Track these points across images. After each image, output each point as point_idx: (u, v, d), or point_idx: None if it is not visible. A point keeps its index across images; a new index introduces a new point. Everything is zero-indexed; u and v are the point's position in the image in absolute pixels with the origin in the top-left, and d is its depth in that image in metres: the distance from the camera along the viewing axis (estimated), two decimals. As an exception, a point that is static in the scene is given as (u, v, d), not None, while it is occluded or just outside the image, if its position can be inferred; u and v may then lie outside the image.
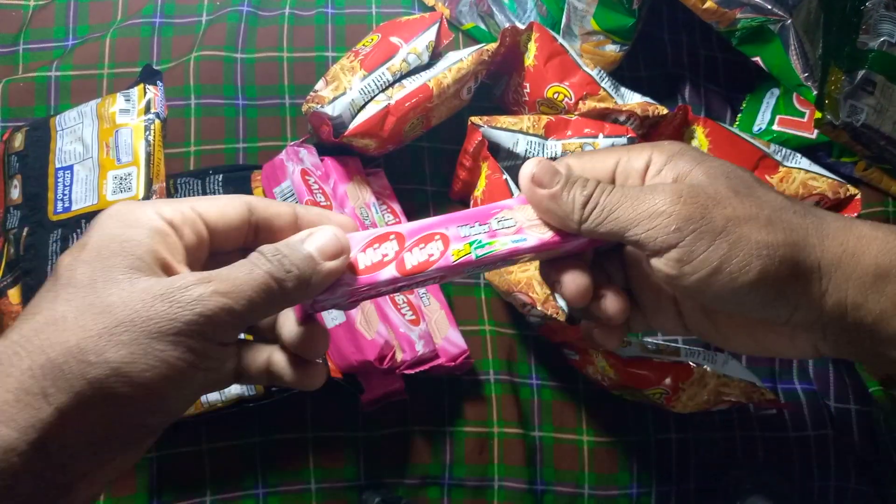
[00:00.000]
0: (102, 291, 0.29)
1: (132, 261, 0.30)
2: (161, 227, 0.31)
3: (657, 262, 0.34)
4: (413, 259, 0.33)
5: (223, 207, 0.33)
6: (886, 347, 0.35)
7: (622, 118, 0.56)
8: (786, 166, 0.57)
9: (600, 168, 0.38)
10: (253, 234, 0.35)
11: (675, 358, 0.50)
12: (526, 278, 0.50)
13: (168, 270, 0.30)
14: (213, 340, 0.30)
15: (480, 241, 0.34)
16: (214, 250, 0.34)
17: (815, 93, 0.59)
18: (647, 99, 0.58)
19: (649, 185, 0.36)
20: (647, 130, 0.58)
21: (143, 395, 0.29)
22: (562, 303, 0.50)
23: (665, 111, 0.57)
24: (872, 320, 0.35)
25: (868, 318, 0.35)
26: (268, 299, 0.30)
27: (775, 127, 0.63)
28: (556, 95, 0.56)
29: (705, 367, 0.51)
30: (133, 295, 0.29)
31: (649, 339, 0.51)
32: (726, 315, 0.38)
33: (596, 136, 0.55)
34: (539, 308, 0.50)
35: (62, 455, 0.28)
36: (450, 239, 0.33)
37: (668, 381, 0.51)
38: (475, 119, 0.54)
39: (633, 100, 0.57)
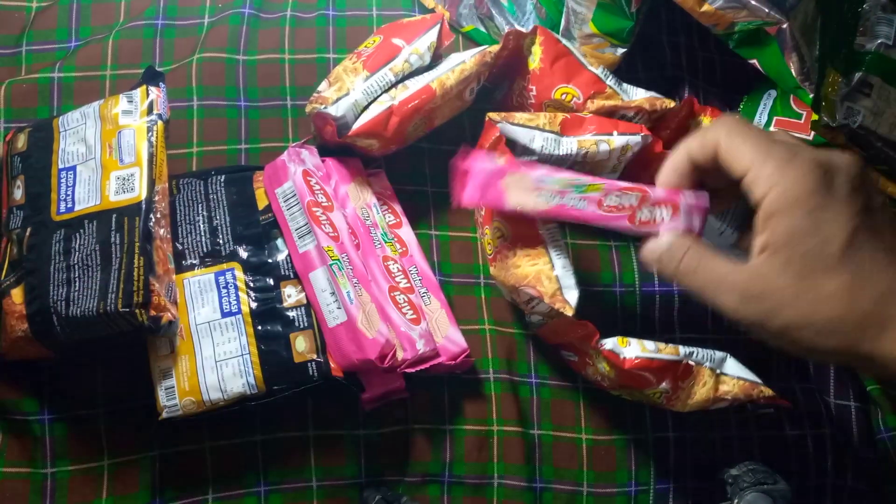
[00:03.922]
0: None
1: None
2: None
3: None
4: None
5: None
6: None
7: (630, 114, 0.57)
8: None
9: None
10: None
11: (674, 357, 0.51)
12: (534, 272, 0.51)
13: None
14: None
15: None
16: None
17: (811, 95, 0.59)
18: (653, 94, 0.58)
19: (727, 279, 0.40)
20: (653, 124, 0.58)
21: None
22: (569, 297, 0.50)
23: (672, 104, 0.57)
24: None
25: None
26: None
27: (772, 128, 0.64)
28: (563, 96, 0.57)
29: (705, 365, 0.51)
30: None
31: (648, 340, 0.52)
32: None
33: (610, 134, 0.55)
34: (546, 301, 0.50)
35: None
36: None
37: (667, 380, 0.51)
38: (493, 115, 0.55)
39: (636, 96, 0.58)
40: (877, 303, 0.37)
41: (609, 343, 0.51)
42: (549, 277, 0.50)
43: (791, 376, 0.61)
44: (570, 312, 0.50)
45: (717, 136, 0.41)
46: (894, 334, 0.37)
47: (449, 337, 0.53)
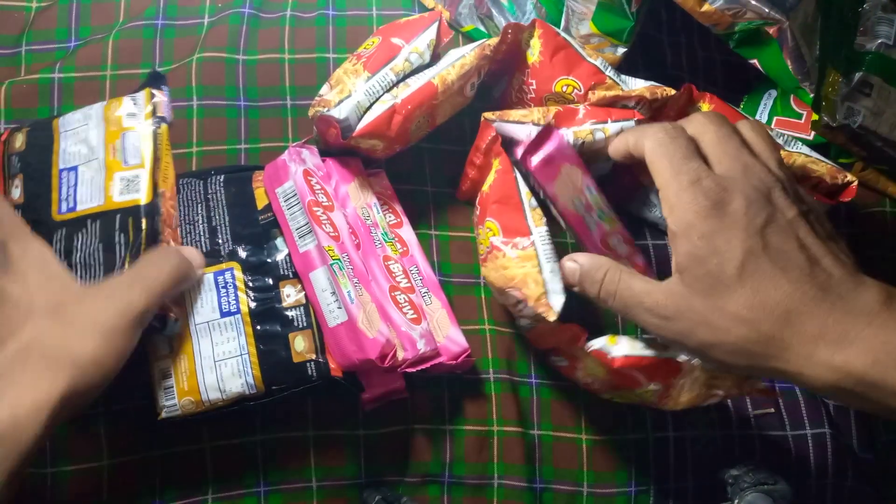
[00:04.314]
0: None
1: None
2: None
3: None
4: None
5: None
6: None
7: (631, 104, 0.57)
8: (787, 150, 0.57)
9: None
10: None
11: (663, 354, 0.50)
12: (522, 274, 0.50)
13: None
14: None
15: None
16: None
17: (811, 95, 0.59)
18: (653, 83, 0.58)
19: (646, 300, 0.44)
20: (653, 113, 0.58)
21: None
22: (555, 302, 0.50)
23: (672, 92, 0.57)
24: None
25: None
26: None
27: (773, 128, 0.64)
28: (564, 89, 0.57)
29: (694, 362, 0.51)
30: None
31: (637, 337, 0.51)
32: None
33: (605, 122, 0.55)
34: (531, 305, 0.50)
35: None
36: None
37: (658, 378, 0.51)
38: (488, 115, 0.55)
39: (636, 86, 0.58)
40: (778, 324, 0.39)
41: (597, 343, 0.50)
42: (536, 281, 0.50)
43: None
44: (552, 318, 0.49)
45: (643, 146, 0.45)
46: (796, 353, 0.39)
47: (450, 337, 0.53)
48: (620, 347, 0.50)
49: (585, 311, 0.59)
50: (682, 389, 0.51)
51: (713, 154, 0.44)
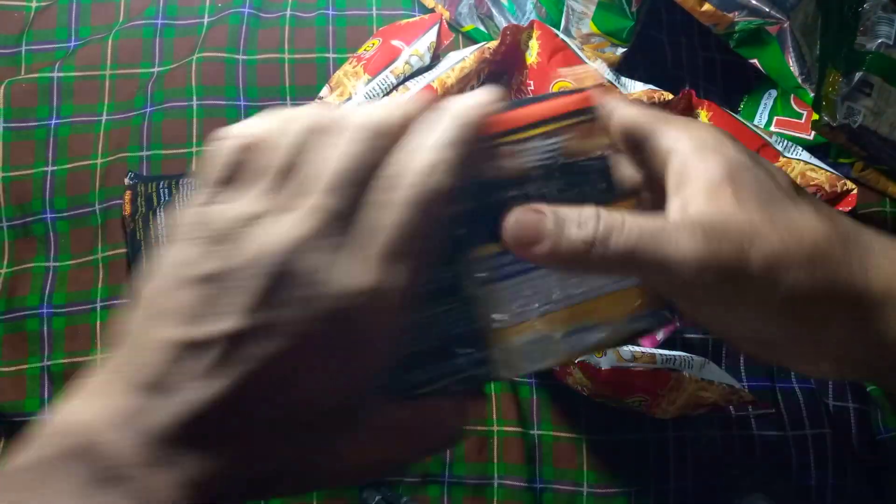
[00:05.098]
0: None
1: None
2: None
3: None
4: None
5: None
6: None
7: None
8: (786, 157, 0.57)
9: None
10: None
11: (651, 365, 0.50)
12: None
13: None
14: None
15: None
16: None
17: (812, 95, 0.59)
18: (651, 86, 0.58)
19: (670, 222, 0.29)
20: None
21: None
22: None
23: (671, 96, 0.57)
24: None
25: None
26: None
27: (773, 128, 0.64)
28: (561, 90, 0.57)
29: (683, 372, 0.50)
30: None
31: (625, 349, 0.51)
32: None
33: None
34: None
35: None
36: None
37: (646, 388, 0.50)
38: None
39: (634, 89, 0.58)
40: (853, 229, 0.31)
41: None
42: None
43: (792, 376, 0.61)
44: None
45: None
46: (881, 261, 0.31)
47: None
48: (607, 359, 0.50)
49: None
50: (670, 399, 0.51)
51: None
